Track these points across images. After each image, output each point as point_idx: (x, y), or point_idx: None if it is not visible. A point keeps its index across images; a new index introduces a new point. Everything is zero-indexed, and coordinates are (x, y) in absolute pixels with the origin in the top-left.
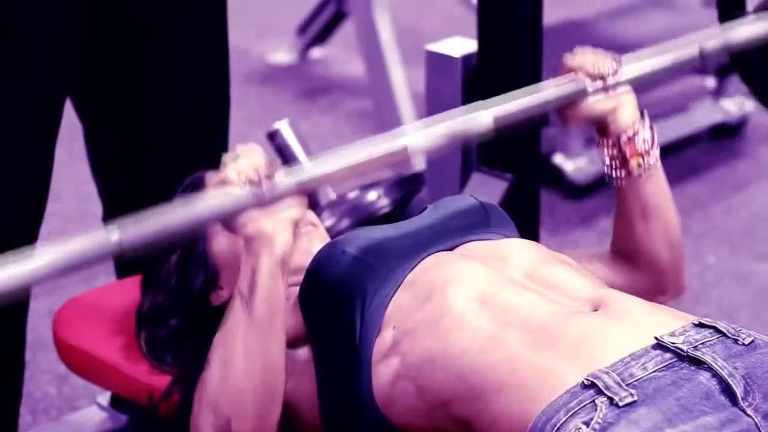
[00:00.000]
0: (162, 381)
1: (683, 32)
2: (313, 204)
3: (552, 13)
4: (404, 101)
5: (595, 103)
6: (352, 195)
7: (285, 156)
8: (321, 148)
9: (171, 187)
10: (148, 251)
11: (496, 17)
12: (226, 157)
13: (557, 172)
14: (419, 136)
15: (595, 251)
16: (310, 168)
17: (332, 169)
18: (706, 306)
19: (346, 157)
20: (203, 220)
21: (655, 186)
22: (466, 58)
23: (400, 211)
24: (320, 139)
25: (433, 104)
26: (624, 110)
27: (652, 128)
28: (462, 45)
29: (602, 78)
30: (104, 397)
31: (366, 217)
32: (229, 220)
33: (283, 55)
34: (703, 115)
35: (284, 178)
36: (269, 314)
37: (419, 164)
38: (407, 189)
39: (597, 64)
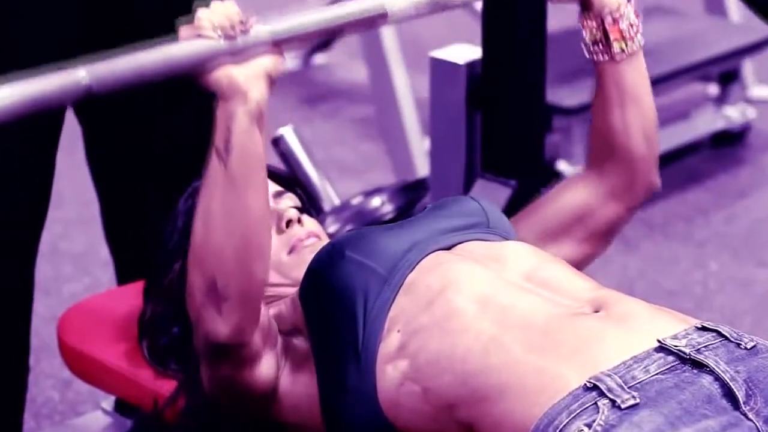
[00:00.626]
0: (167, 386)
1: (686, 40)
2: (317, 210)
3: (555, 21)
4: (408, 107)
5: None
6: (355, 201)
7: (289, 162)
8: (324, 155)
9: (172, 191)
10: (117, 93)
11: (500, 24)
12: (200, 11)
13: (560, 179)
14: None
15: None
16: (286, 20)
17: (309, 22)
18: (708, 312)
19: (324, 13)
20: (175, 66)
21: (636, 72)
22: (471, 65)
23: (403, 217)
24: (323, 145)
25: (437, 111)
26: None
27: (637, 13)
28: (466, 52)
29: None
30: (108, 402)
31: (369, 224)
32: (201, 69)
33: (286, 60)
34: (706, 123)
35: (260, 29)
36: (246, 169)
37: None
38: (411, 195)
39: None
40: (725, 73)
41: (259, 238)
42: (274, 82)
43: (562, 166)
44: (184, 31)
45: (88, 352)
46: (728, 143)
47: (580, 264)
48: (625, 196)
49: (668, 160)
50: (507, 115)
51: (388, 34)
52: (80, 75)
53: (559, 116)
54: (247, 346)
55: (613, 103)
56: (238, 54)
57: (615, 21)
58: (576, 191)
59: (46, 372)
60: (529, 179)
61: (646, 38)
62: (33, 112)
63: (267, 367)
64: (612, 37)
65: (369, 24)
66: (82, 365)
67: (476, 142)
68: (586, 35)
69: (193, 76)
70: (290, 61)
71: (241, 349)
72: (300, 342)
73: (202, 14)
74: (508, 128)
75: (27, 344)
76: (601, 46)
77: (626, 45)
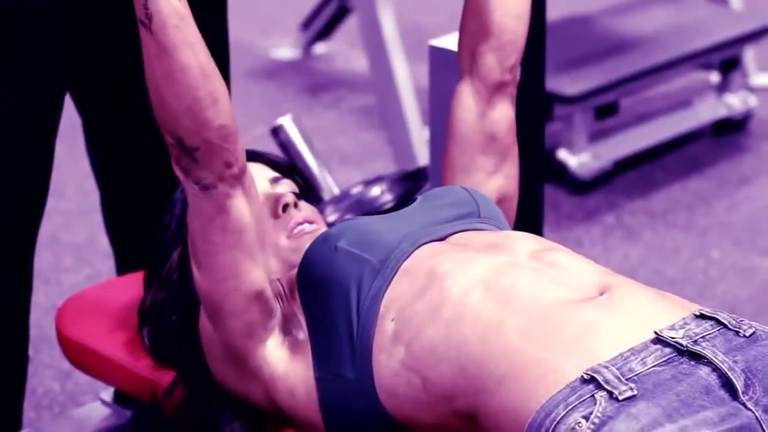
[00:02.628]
0: (165, 377)
1: (688, 28)
2: (317, 199)
3: (556, 9)
4: (408, 97)
5: None
6: (355, 190)
7: (288, 151)
8: (324, 144)
9: (171, 182)
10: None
11: None
12: None
13: (561, 168)
14: None
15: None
16: None
17: None
18: (710, 300)
19: None
20: None
21: None
22: None
23: (403, 206)
24: (323, 134)
25: (436, 99)
26: None
27: None
28: None
29: None
30: (108, 393)
31: (369, 213)
32: None
33: (286, 50)
34: (707, 111)
35: None
36: (171, 31)
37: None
38: (411, 184)
39: None
40: (726, 60)
41: (208, 89)
42: None
43: (562, 154)
44: None
45: (87, 343)
46: (730, 131)
47: (510, 195)
48: (502, 84)
49: (670, 148)
50: None
51: (387, 23)
52: None
53: (560, 104)
54: (230, 199)
55: None
56: None
57: None
58: (463, 105)
59: (46, 363)
60: (529, 168)
61: (647, 26)
62: None
63: (255, 268)
64: None
65: None
66: (80, 356)
67: None
68: None
69: None
70: (290, 50)
71: (225, 202)
72: (298, 327)
73: None
74: None
75: (26, 334)
76: None
77: None
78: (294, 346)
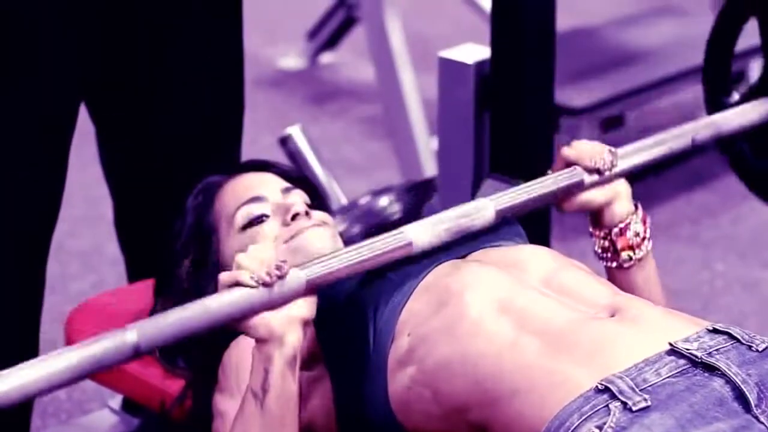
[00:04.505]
0: (175, 385)
1: (694, 41)
2: (324, 209)
3: (564, 21)
4: (414, 107)
5: (591, 195)
6: (363, 201)
7: (297, 161)
8: (331, 154)
9: (184, 191)
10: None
11: (508, 24)
12: (239, 257)
13: None
14: (423, 232)
15: None
16: (319, 264)
17: (341, 264)
18: (714, 314)
19: (354, 254)
20: (216, 319)
21: (644, 276)
22: (479, 65)
23: (411, 217)
24: (330, 144)
25: (445, 111)
26: (618, 203)
27: (645, 221)
28: (475, 52)
29: (598, 172)
30: (116, 401)
31: (377, 223)
32: (241, 321)
33: (292, 60)
34: None
35: (294, 274)
36: (282, 411)
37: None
38: (419, 195)
39: (594, 157)
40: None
41: None
42: (308, 324)
43: None
44: (224, 277)
45: None
46: None
47: None
48: None
49: (674, 161)
50: (515, 115)
51: (395, 33)
52: (129, 337)
53: (566, 117)
54: None
55: None
56: (275, 303)
57: (622, 232)
58: None
59: None
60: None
61: (654, 39)
62: (88, 375)
63: None
64: (619, 247)
65: (396, 254)
66: None
67: (484, 142)
68: (596, 244)
69: (233, 326)
70: (297, 60)
71: None
72: (316, 371)
73: (241, 260)
74: (516, 128)
75: (36, 341)
76: (609, 254)
77: (633, 253)
78: (309, 379)
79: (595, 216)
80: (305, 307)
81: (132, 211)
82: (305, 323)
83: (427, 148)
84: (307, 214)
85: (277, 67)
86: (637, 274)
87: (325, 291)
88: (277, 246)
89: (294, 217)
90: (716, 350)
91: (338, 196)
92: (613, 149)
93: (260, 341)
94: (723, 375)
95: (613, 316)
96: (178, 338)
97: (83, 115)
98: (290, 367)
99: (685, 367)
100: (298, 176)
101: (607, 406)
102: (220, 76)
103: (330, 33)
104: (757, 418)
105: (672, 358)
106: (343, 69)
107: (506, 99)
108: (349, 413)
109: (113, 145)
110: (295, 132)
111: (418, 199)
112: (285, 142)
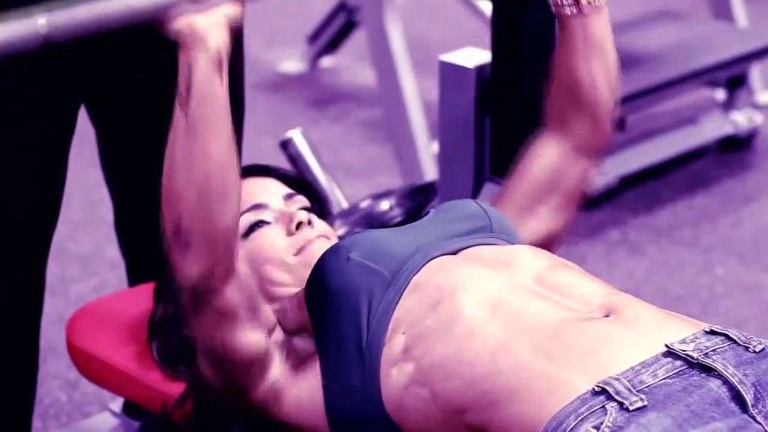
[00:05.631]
0: (175, 388)
1: (694, 45)
2: (325, 213)
3: None
4: (415, 110)
5: None
6: (364, 204)
7: (298, 165)
8: (331, 157)
9: None
10: (77, 39)
11: (509, 28)
12: None
13: None
14: None
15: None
16: None
17: None
18: (714, 317)
19: None
20: (136, 14)
21: (602, 24)
22: (480, 69)
23: (412, 220)
24: (330, 147)
25: (446, 114)
26: None
27: None
28: (475, 55)
29: None
30: (116, 404)
31: (378, 227)
32: (162, 18)
33: (293, 63)
34: (713, 128)
35: None
36: (206, 115)
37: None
38: (419, 199)
39: None
40: (732, 78)
41: (222, 181)
42: (233, 29)
43: None
44: None
45: (97, 354)
46: (735, 148)
47: (556, 237)
48: (590, 149)
49: (675, 164)
50: (516, 118)
51: (395, 37)
52: (39, 23)
53: None
54: (218, 293)
55: (580, 55)
56: (199, 2)
57: None
58: (543, 158)
59: (53, 373)
60: None
61: (654, 43)
62: None
63: (251, 335)
64: None
65: None
66: (90, 366)
67: (485, 145)
68: None
69: (154, 24)
70: (297, 63)
71: (213, 297)
72: (305, 342)
73: None
74: (516, 132)
75: (37, 345)
76: (569, 0)
77: None
78: (300, 359)
79: None
80: (230, 9)
81: (132, 214)
82: (230, 27)
83: (427, 151)
84: (309, 222)
85: (278, 71)
86: (594, 22)
87: (318, 278)
88: (286, 256)
89: (298, 227)
90: (713, 351)
91: (339, 199)
92: None
93: (184, 45)
94: (720, 376)
95: (607, 316)
96: (93, 31)
97: (83, 117)
98: (216, 69)
99: (682, 368)
100: (300, 181)
101: (603, 406)
102: None
103: (330, 37)
104: (754, 418)
105: (668, 359)
106: (343, 73)
107: (507, 103)
108: (341, 409)
109: (113, 147)
110: (296, 135)
111: (419, 203)
112: (285, 145)
